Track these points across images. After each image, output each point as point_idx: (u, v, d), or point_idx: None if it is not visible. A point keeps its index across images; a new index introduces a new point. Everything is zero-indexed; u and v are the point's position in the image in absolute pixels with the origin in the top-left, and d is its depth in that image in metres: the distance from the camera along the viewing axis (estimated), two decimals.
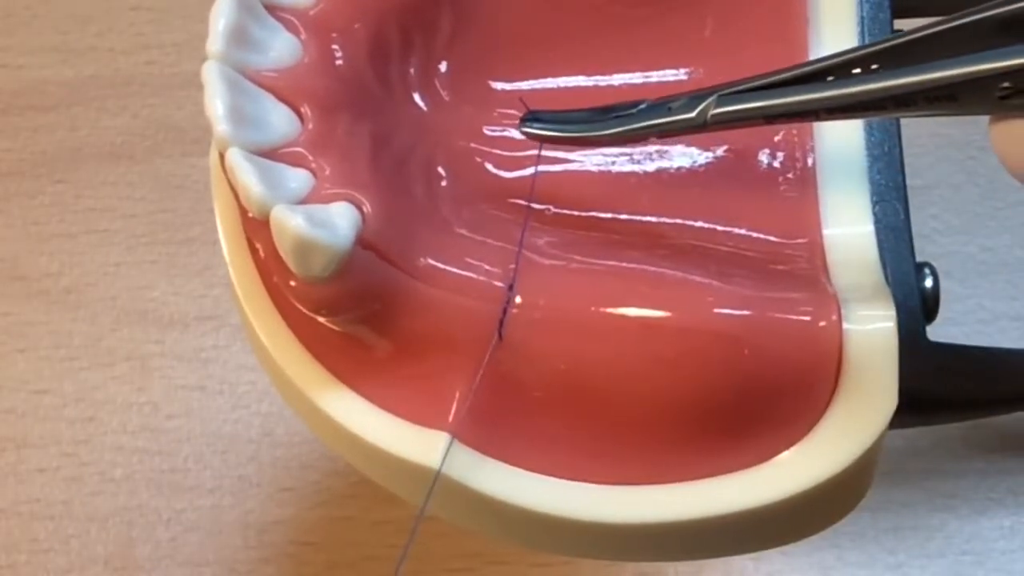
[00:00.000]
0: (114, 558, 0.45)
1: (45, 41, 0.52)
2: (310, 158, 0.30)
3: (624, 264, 0.31)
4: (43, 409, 0.47)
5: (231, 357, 0.48)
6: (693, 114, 0.30)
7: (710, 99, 0.30)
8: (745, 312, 0.30)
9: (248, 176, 0.29)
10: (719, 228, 0.33)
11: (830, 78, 0.29)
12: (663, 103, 0.31)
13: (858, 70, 0.29)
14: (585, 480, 0.31)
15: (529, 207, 0.33)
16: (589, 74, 0.35)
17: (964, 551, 0.44)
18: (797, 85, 0.30)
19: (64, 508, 0.46)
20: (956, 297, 0.47)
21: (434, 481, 0.30)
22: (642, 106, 0.32)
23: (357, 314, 0.30)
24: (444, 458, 0.30)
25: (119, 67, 0.52)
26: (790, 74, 0.30)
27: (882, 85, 0.28)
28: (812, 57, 0.34)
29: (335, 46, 0.32)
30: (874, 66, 0.29)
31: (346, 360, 0.31)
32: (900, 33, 0.29)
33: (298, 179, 0.30)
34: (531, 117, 0.33)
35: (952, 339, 0.33)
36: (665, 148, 0.34)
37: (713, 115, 0.30)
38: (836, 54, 0.30)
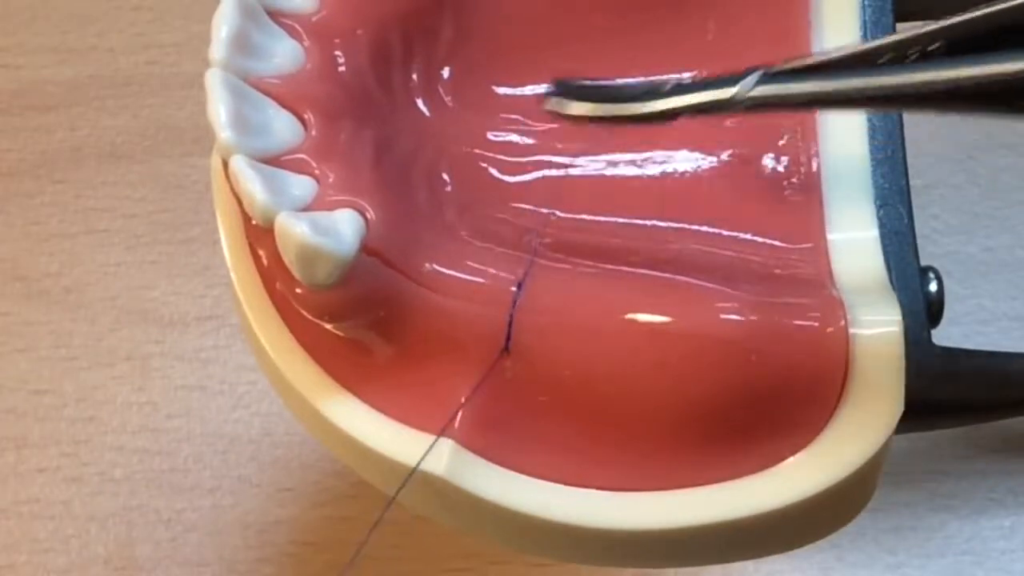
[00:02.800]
0: (114, 558, 0.45)
1: (45, 41, 0.52)
2: (314, 165, 0.30)
3: (629, 269, 0.31)
4: (43, 409, 0.47)
5: (231, 357, 0.48)
6: (734, 89, 0.28)
7: (752, 77, 0.28)
8: (751, 317, 0.30)
9: (252, 184, 0.29)
10: (723, 233, 0.33)
11: (882, 61, 0.27)
12: (699, 83, 0.29)
13: (915, 54, 0.26)
14: (590, 486, 0.31)
15: (535, 212, 0.33)
16: (592, 78, 0.35)
17: (964, 551, 0.44)
18: (849, 68, 0.27)
19: (64, 508, 0.46)
20: (956, 297, 0.47)
21: (409, 475, 0.30)
22: (670, 85, 0.29)
23: (362, 320, 0.30)
24: (423, 458, 0.30)
25: (119, 67, 0.52)
26: (840, 55, 0.27)
27: (962, 73, 0.25)
28: None
29: (337, 52, 0.32)
30: (933, 47, 0.26)
31: (350, 366, 0.31)
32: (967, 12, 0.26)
33: (302, 186, 0.30)
34: (558, 90, 0.31)
35: (952, 339, 0.33)
36: (670, 152, 0.34)
37: (754, 96, 0.28)
38: (890, 37, 0.27)
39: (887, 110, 0.28)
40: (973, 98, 0.25)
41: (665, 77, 0.31)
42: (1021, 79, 0.24)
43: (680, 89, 0.29)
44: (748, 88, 0.28)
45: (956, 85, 0.25)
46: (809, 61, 0.28)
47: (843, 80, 0.27)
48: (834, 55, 0.27)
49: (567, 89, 0.30)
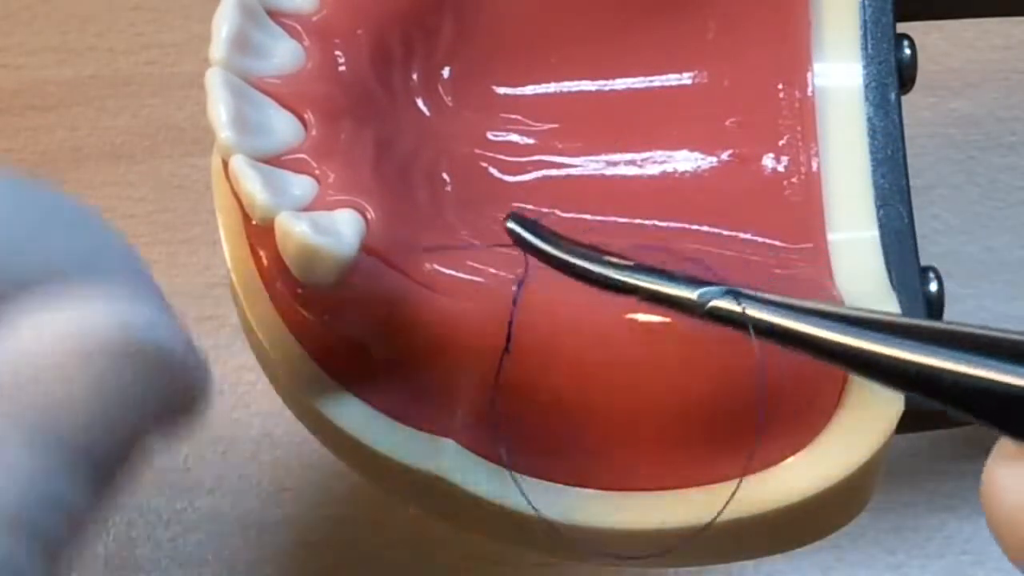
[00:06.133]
0: (114, 558, 0.45)
1: (45, 41, 0.52)
2: (314, 165, 0.30)
3: None
4: None
5: (231, 357, 0.47)
6: (694, 296, 0.28)
7: (718, 291, 0.27)
8: None
9: (252, 183, 0.29)
10: (724, 233, 0.33)
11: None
12: (664, 273, 0.28)
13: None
14: (590, 486, 0.31)
15: (536, 211, 0.33)
16: (592, 78, 0.35)
17: (964, 551, 0.43)
18: (837, 322, 0.26)
19: None
20: (956, 297, 0.46)
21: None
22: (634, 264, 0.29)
23: (362, 320, 0.30)
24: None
25: (119, 67, 0.52)
26: (830, 310, 0.27)
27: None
28: (814, 60, 0.34)
29: (338, 52, 0.32)
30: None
31: (351, 366, 0.31)
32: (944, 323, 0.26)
33: (302, 186, 0.30)
34: (515, 219, 0.30)
35: None
36: (670, 152, 0.34)
37: (715, 307, 0.27)
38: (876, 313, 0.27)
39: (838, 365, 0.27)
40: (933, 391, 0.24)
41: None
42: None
43: (646, 271, 0.28)
44: (708, 298, 0.28)
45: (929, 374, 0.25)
46: (777, 299, 0.27)
47: (806, 324, 0.27)
48: (820, 307, 0.27)
49: (525, 223, 0.30)
